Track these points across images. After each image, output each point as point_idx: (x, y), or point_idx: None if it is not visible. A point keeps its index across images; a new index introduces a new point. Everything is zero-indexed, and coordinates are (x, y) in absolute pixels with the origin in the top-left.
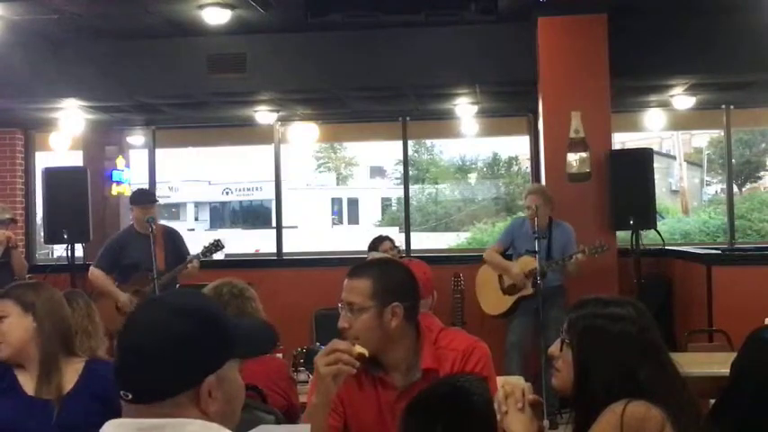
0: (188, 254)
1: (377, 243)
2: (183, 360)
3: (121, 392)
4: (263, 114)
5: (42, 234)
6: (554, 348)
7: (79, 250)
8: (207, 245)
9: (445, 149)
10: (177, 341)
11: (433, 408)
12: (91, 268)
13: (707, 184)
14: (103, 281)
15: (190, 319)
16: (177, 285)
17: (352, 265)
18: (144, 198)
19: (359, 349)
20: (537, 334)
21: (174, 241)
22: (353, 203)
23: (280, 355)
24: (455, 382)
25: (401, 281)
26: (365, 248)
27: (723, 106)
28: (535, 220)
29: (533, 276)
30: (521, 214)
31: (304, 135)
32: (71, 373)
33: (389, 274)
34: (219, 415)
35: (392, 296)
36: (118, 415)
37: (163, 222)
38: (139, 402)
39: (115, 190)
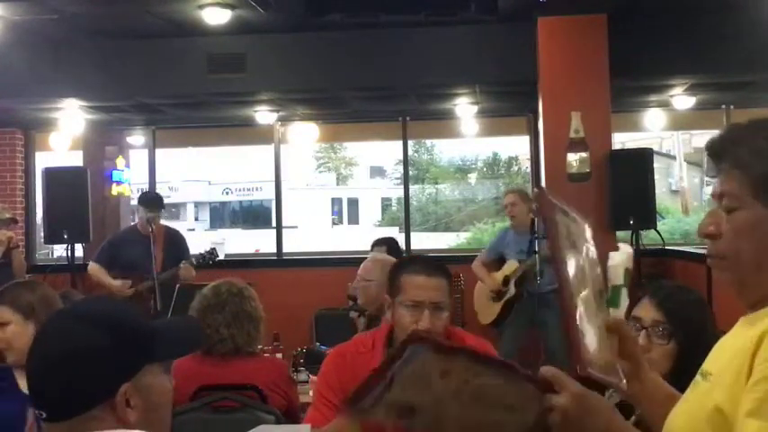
0: (188, 256)
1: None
2: (92, 372)
3: (36, 412)
4: (263, 114)
5: (42, 234)
6: (645, 342)
7: (79, 250)
8: (202, 252)
9: (445, 149)
10: (83, 353)
11: None
12: (90, 263)
13: (707, 184)
14: (99, 274)
15: (96, 329)
16: (177, 287)
17: (353, 265)
18: (150, 200)
19: None
20: (533, 341)
21: (174, 243)
22: (353, 203)
23: (280, 355)
24: None
25: None
26: (365, 248)
27: (723, 106)
28: (534, 220)
29: (516, 279)
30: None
31: (304, 135)
32: None
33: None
34: (143, 423)
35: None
36: None
37: (164, 222)
38: (55, 420)
39: (115, 190)
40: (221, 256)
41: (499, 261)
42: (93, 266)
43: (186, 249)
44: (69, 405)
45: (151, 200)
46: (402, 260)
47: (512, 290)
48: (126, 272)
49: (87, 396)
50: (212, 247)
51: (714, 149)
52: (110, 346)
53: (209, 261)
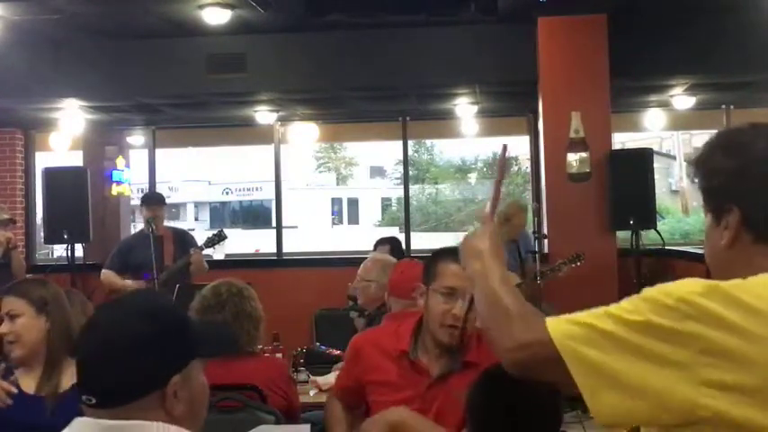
0: (196, 244)
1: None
2: (148, 361)
3: (84, 397)
4: (263, 114)
5: (42, 234)
6: None
7: (79, 250)
8: (210, 236)
9: (445, 149)
10: (141, 342)
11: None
12: (102, 270)
13: None
14: (111, 278)
15: (152, 320)
16: (177, 287)
17: (353, 265)
18: (149, 198)
19: None
20: None
21: (184, 241)
22: (353, 203)
23: (280, 355)
24: None
25: None
26: (365, 248)
27: (723, 106)
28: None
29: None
30: None
31: (304, 135)
32: (70, 373)
33: None
34: (184, 416)
35: None
36: None
37: (166, 224)
38: (104, 407)
39: (115, 190)
40: (221, 256)
41: None
42: (105, 273)
43: (195, 242)
44: (123, 393)
45: (150, 197)
46: (440, 249)
47: None
48: (138, 275)
49: (141, 384)
50: (219, 229)
51: (691, 170)
52: (164, 337)
53: (217, 242)
